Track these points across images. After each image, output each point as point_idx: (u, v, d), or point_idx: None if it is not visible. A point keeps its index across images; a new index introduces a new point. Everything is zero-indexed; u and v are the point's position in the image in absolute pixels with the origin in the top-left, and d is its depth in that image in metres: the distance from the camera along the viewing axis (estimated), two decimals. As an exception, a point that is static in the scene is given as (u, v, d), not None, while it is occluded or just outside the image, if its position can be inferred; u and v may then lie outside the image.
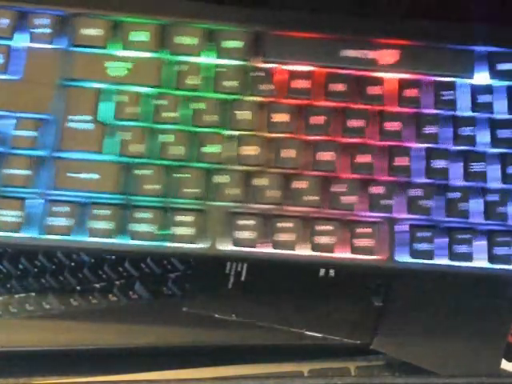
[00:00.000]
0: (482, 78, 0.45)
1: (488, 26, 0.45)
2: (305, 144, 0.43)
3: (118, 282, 0.48)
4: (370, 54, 0.45)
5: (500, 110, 0.44)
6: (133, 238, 0.42)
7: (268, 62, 0.44)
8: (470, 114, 0.44)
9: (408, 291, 0.47)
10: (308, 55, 0.44)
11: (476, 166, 0.43)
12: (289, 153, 0.43)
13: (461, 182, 0.43)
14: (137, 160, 0.42)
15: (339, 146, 0.43)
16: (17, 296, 0.47)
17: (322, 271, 0.47)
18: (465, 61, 0.45)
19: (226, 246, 0.42)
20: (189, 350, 0.47)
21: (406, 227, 0.43)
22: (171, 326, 0.46)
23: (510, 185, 0.43)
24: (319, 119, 0.43)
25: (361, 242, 0.42)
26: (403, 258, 0.42)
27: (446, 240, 0.42)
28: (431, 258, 0.42)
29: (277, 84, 0.44)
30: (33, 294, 0.47)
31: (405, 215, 0.43)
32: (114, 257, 0.48)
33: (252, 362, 0.46)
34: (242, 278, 0.47)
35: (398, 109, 0.44)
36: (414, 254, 0.42)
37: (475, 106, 0.44)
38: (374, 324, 0.46)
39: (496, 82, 0.44)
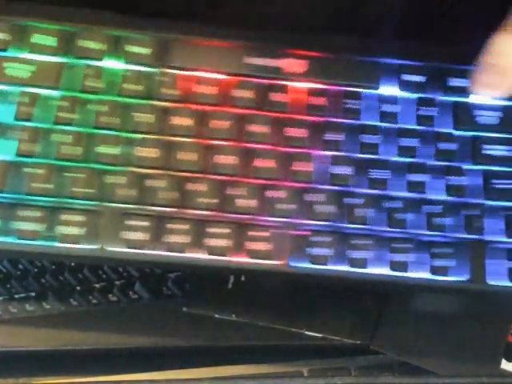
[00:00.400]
0: (389, 89, 0.45)
1: (397, 40, 0.46)
2: (204, 148, 0.43)
3: (117, 282, 0.48)
4: (276, 63, 0.45)
5: (406, 121, 0.44)
6: (18, 238, 0.42)
7: (173, 69, 0.45)
8: (374, 123, 0.44)
9: (408, 292, 0.47)
10: (213, 62, 0.45)
11: (378, 174, 0.43)
12: (186, 155, 0.43)
13: (363, 190, 0.43)
14: (30, 159, 0.43)
15: (240, 150, 0.43)
16: (17, 296, 0.47)
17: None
18: (371, 72, 0.45)
19: (117, 248, 0.42)
20: (189, 350, 0.47)
21: (305, 233, 0.42)
22: (171, 326, 0.46)
23: (413, 193, 0.43)
24: (221, 124, 0.44)
25: (257, 246, 0.42)
26: (300, 263, 0.42)
27: (345, 246, 0.42)
28: (326, 264, 0.42)
29: (181, 90, 0.44)
30: (33, 294, 0.47)
31: (305, 221, 0.43)
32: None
33: (252, 362, 0.46)
34: (242, 278, 0.47)
35: (302, 116, 0.44)
36: (310, 259, 0.42)
37: (380, 116, 0.44)
38: (374, 324, 0.46)
39: (403, 94, 0.45)
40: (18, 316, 0.47)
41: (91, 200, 0.42)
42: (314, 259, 0.42)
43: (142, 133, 0.43)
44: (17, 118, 0.43)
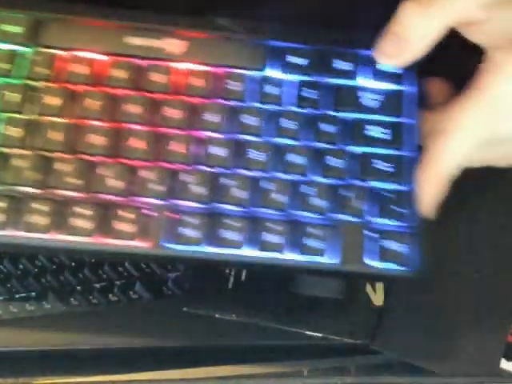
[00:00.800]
0: (274, 72, 0.45)
1: (283, 23, 0.46)
2: (75, 127, 0.43)
3: (118, 282, 0.48)
4: (156, 43, 0.45)
5: (288, 103, 0.44)
6: None
7: (48, 48, 0.45)
8: (255, 104, 0.44)
9: (408, 291, 0.47)
10: (91, 42, 0.45)
11: (257, 155, 0.43)
12: (54, 135, 0.43)
13: (241, 171, 0.43)
14: None
15: (112, 130, 0.43)
16: (17, 296, 0.47)
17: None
18: (255, 54, 0.45)
19: None
20: (189, 350, 0.47)
21: (176, 215, 0.42)
22: (171, 326, 0.46)
23: (291, 174, 0.43)
24: (94, 103, 0.43)
25: (124, 227, 0.42)
26: (171, 244, 0.42)
27: (219, 227, 0.42)
28: (198, 245, 0.42)
29: (54, 69, 0.44)
30: (33, 293, 0.47)
31: (178, 202, 0.42)
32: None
33: (252, 362, 0.46)
34: (242, 278, 0.47)
35: (181, 97, 0.44)
36: (181, 240, 0.42)
37: (262, 98, 0.44)
38: (374, 324, 0.46)
39: (287, 76, 0.45)
40: (18, 316, 0.47)
41: None
42: (185, 240, 0.42)
43: (9, 112, 0.43)
44: None
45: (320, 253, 0.42)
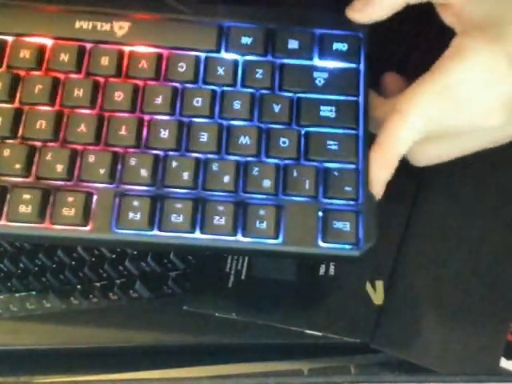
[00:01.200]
0: (223, 52, 0.45)
1: (231, 4, 0.46)
2: (16, 112, 0.43)
3: (118, 281, 0.48)
4: (105, 26, 0.45)
5: (237, 83, 0.45)
6: None
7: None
8: (204, 86, 0.44)
9: (408, 290, 0.47)
10: (39, 27, 0.45)
11: (204, 137, 0.43)
12: None
13: (187, 153, 0.43)
14: None
15: (55, 115, 0.43)
16: (17, 295, 0.47)
17: (322, 269, 0.47)
18: (201, 35, 0.45)
19: None
20: (189, 349, 0.47)
21: (123, 197, 0.42)
22: (171, 325, 0.47)
23: (234, 156, 0.43)
24: (36, 88, 0.43)
25: (68, 212, 0.42)
26: (117, 229, 0.42)
27: (164, 211, 0.42)
28: (145, 229, 0.42)
29: (4, 55, 0.44)
30: (33, 292, 0.47)
31: (124, 185, 0.42)
32: (114, 255, 0.48)
33: (252, 361, 0.46)
34: (242, 277, 0.47)
35: (124, 80, 0.44)
36: (126, 224, 0.42)
37: (211, 79, 0.44)
38: (374, 323, 0.46)
39: (231, 56, 0.45)
40: (18, 314, 0.47)
41: None
42: (132, 224, 0.41)
43: None
44: None
45: (265, 234, 0.42)
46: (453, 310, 0.47)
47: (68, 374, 0.46)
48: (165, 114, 0.44)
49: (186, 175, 0.42)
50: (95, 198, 0.42)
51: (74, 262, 0.48)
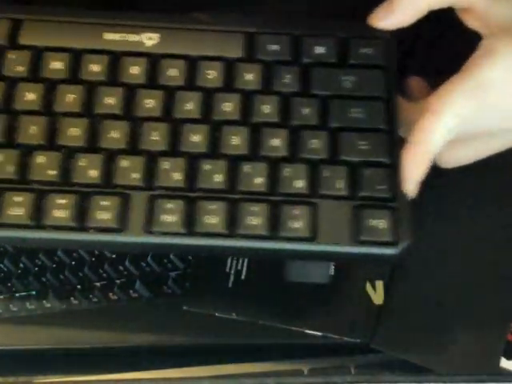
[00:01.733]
0: (244, 57, 0.46)
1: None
2: (50, 121, 0.43)
3: (118, 281, 0.48)
4: (133, 37, 0.46)
5: (265, 87, 0.45)
6: None
7: (25, 48, 0.45)
8: (229, 92, 0.44)
9: (408, 290, 0.47)
10: (68, 38, 0.46)
11: (234, 140, 0.43)
12: (34, 130, 0.43)
13: (219, 156, 0.43)
14: None
15: (88, 122, 0.43)
16: (17, 295, 0.47)
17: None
18: (234, 44, 0.46)
19: None
20: (189, 349, 0.47)
21: (156, 201, 0.42)
22: (171, 325, 0.47)
23: (268, 156, 0.43)
24: (69, 98, 0.44)
25: (102, 216, 0.42)
26: (150, 233, 0.42)
27: (198, 214, 0.42)
28: (180, 233, 0.42)
29: (31, 66, 0.45)
30: (33, 292, 0.47)
31: (158, 189, 0.42)
32: (114, 255, 0.48)
33: (252, 361, 0.46)
34: (243, 277, 0.47)
35: (156, 88, 0.45)
36: (160, 227, 0.42)
37: (239, 84, 0.45)
38: (374, 323, 0.46)
39: (257, 62, 0.46)
40: (18, 315, 0.47)
41: None
42: (167, 228, 0.41)
43: None
44: None
45: (300, 235, 0.41)
46: (453, 310, 0.47)
47: (68, 374, 0.46)
48: (196, 119, 0.44)
49: (218, 178, 0.42)
50: (129, 201, 0.42)
51: (73, 262, 0.48)
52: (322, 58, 0.46)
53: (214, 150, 0.43)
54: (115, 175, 0.42)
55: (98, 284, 0.48)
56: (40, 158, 0.42)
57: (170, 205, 0.42)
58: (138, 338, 0.46)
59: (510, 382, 0.45)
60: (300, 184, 0.43)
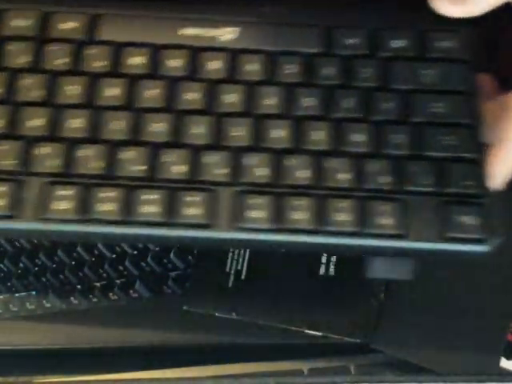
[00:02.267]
0: (323, 51, 0.45)
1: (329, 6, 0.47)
2: (136, 117, 0.43)
3: (118, 281, 0.48)
4: (211, 32, 0.45)
5: (338, 83, 0.44)
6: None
7: (104, 43, 0.45)
8: (309, 86, 0.44)
9: (408, 290, 0.47)
10: (146, 34, 0.45)
11: (317, 135, 0.43)
12: (117, 125, 0.43)
13: (302, 151, 0.42)
14: None
15: (172, 117, 0.43)
16: (17, 295, 0.47)
17: (322, 269, 0.47)
18: (312, 38, 0.45)
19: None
20: (189, 349, 0.47)
21: (244, 196, 0.42)
22: (171, 325, 0.47)
23: (352, 151, 0.42)
24: (152, 93, 0.43)
25: (185, 212, 0.41)
26: (239, 229, 0.41)
27: (284, 210, 0.41)
28: (267, 229, 0.41)
29: (111, 62, 0.44)
30: (33, 292, 0.47)
31: (243, 184, 0.42)
32: (114, 255, 0.48)
33: (252, 361, 0.46)
34: (243, 277, 0.47)
35: (236, 83, 0.44)
36: (248, 223, 0.41)
37: (319, 78, 0.44)
38: (374, 323, 0.46)
39: (335, 57, 0.45)
40: (18, 314, 0.47)
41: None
42: (255, 224, 0.41)
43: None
44: None
45: (389, 231, 0.41)
46: (453, 310, 0.47)
47: (68, 374, 0.46)
48: (277, 114, 0.43)
49: (303, 173, 0.42)
50: (217, 197, 0.41)
51: (73, 262, 0.48)
52: (401, 52, 0.45)
53: (298, 146, 0.43)
54: (202, 171, 0.42)
55: (97, 284, 0.48)
56: (128, 154, 0.42)
57: (257, 200, 0.41)
58: (137, 337, 0.46)
59: (509, 382, 0.45)
60: (385, 180, 0.42)
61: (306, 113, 0.43)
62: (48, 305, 0.47)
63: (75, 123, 0.43)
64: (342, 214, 0.41)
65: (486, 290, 0.47)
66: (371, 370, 0.46)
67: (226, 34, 0.45)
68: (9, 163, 0.42)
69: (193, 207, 0.41)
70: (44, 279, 0.48)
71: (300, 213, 0.41)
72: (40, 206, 0.41)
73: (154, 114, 0.43)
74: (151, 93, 0.44)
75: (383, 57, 0.45)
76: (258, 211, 0.41)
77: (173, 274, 0.48)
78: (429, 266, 0.47)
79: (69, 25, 0.45)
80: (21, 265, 0.48)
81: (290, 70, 0.44)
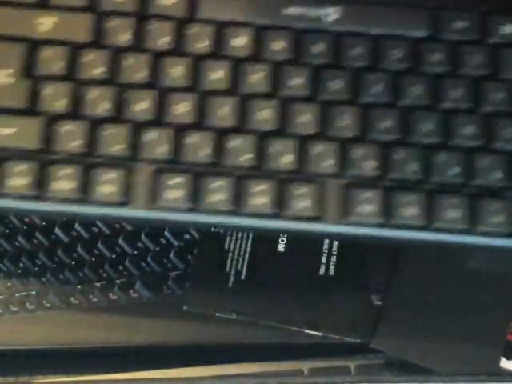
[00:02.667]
0: (430, 34, 0.43)
1: None
2: (241, 102, 0.41)
3: (118, 281, 0.48)
4: (313, 12, 0.43)
5: (443, 70, 0.43)
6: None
7: (203, 21, 0.43)
8: (415, 73, 0.42)
9: (408, 290, 0.47)
10: (248, 13, 0.43)
11: (424, 124, 0.41)
12: (223, 111, 0.41)
13: (409, 143, 0.41)
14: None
15: (278, 104, 0.41)
16: (17, 295, 0.47)
17: (322, 269, 0.47)
18: (419, 21, 0.43)
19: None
20: (189, 349, 0.47)
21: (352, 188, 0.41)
22: (171, 325, 0.47)
23: (461, 144, 0.41)
24: (255, 77, 0.42)
25: (294, 205, 0.40)
26: (347, 222, 0.41)
27: (394, 204, 0.40)
28: (376, 224, 0.40)
29: (212, 41, 0.42)
30: (33, 292, 0.47)
31: (351, 176, 0.41)
32: (114, 255, 0.48)
33: (252, 361, 0.46)
34: (243, 277, 0.47)
35: (339, 66, 0.42)
36: (357, 217, 0.40)
37: (425, 63, 0.42)
38: (374, 323, 0.46)
39: (442, 41, 0.43)
40: (18, 314, 0.47)
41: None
42: (364, 218, 0.40)
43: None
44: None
45: (501, 229, 0.40)
46: (453, 310, 0.47)
47: (68, 374, 0.46)
48: (384, 103, 0.42)
49: (412, 167, 0.41)
50: (324, 189, 0.41)
51: (74, 262, 0.48)
52: (510, 38, 0.43)
53: (406, 138, 0.41)
54: (310, 162, 0.41)
55: (98, 284, 0.48)
56: (235, 141, 0.41)
57: (367, 194, 0.40)
58: (137, 337, 0.46)
59: (509, 382, 0.45)
60: (496, 176, 0.41)
61: (414, 103, 0.42)
62: (48, 305, 0.47)
63: (182, 108, 0.41)
64: (452, 211, 0.40)
65: (486, 290, 0.47)
66: (371, 370, 0.47)
67: (330, 15, 0.43)
68: (119, 148, 0.40)
69: (302, 199, 0.40)
70: (44, 279, 0.48)
71: (410, 208, 0.40)
72: (152, 193, 0.40)
73: (259, 100, 0.41)
74: (255, 77, 0.42)
75: (493, 43, 0.43)
76: (367, 205, 0.40)
77: (173, 273, 0.48)
78: (429, 266, 0.47)
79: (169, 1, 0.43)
80: (21, 265, 0.48)
81: (395, 56, 0.42)
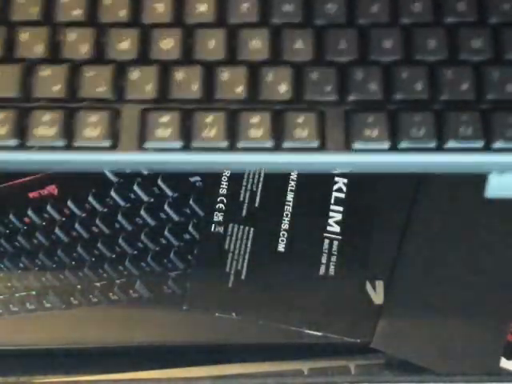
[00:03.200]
0: None
1: None
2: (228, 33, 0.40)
3: (118, 281, 0.48)
4: None
5: None
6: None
7: None
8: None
9: (408, 290, 0.47)
10: None
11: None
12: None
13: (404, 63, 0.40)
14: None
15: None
16: (17, 295, 0.47)
17: (322, 269, 0.47)
18: None
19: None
20: (189, 349, 0.47)
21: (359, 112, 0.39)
22: (171, 325, 0.47)
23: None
24: (245, 6, 0.40)
25: (293, 134, 0.38)
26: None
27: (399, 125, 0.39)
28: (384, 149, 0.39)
29: None
30: (33, 292, 0.47)
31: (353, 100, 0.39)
32: (114, 255, 0.48)
33: (252, 361, 0.46)
34: (242, 277, 0.47)
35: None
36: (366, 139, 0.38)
37: None
38: (374, 323, 0.46)
39: None
40: (18, 314, 0.47)
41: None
42: (372, 141, 0.38)
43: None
44: None
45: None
46: (453, 310, 0.47)
47: (68, 374, 0.46)
48: (386, 22, 0.40)
49: (419, 86, 0.39)
50: (325, 117, 0.39)
51: (73, 262, 0.48)
52: None
53: (411, 56, 0.39)
54: (306, 89, 0.39)
55: (98, 284, 0.48)
56: (226, 74, 0.39)
57: (370, 118, 0.38)
58: (138, 338, 0.46)
59: (509, 382, 0.45)
60: None
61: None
62: (48, 305, 0.47)
63: (167, 44, 0.39)
64: (467, 128, 0.38)
65: (486, 290, 0.47)
66: (371, 370, 0.47)
67: None
68: (102, 90, 0.39)
69: (300, 128, 0.38)
70: (44, 279, 0.48)
71: (419, 129, 0.38)
72: (140, 134, 0.38)
73: (248, 30, 0.39)
74: (244, 6, 0.40)
75: None
76: (371, 129, 0.38)
77: (173, 274, 0.48)
78: (429, 266, 0.47)
79: None
80: (21, 265, 0.48)
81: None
